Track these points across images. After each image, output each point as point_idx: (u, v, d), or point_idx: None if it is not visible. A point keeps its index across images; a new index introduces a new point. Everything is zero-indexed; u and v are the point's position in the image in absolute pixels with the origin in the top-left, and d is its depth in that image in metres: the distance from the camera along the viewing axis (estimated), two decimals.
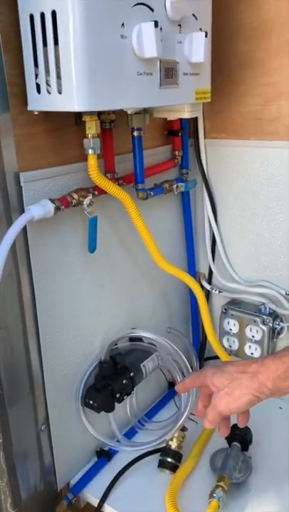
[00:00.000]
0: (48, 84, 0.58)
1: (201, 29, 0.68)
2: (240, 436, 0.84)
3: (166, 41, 0.63)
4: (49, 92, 0.58)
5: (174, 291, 1.04)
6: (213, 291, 1.03)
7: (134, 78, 0.60)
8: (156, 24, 0.58)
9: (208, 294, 1.05)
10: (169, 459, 0.83)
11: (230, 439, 0.84)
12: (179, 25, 0.65)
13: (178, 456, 0.84)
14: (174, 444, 0.84)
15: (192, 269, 1.04)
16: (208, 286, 1.04)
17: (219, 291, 1.02)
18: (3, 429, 0.62)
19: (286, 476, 0.83)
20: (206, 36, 0.66)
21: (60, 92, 0.56)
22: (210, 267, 1.03)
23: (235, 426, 0.77)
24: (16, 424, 0.69)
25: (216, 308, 1.06)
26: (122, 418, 0.92)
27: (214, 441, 0.90)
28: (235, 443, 0.84)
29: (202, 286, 1.03)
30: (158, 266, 0.84)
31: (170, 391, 1.05)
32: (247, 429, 0.85)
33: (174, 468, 0.83)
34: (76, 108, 0.55)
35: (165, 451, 0.84)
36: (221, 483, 0.77)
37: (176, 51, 0.66)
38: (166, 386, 1.06)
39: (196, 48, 0.66)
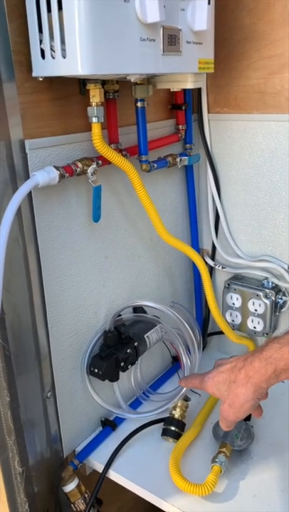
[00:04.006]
0: (52, 49, 0.58)
1: None
2: None
3: (169, 8, 0.63)
4: (53, 57, 0.58)
5: (177, 268, 1.05)
6: (217, 267, 1.04)
7: (137, 44, 0.61)
8: None
9: (211, 270, 1.06)
10: (173, 428, 0.85)
11: None
12: None
13: (181, 425, 0.85)
14: (177, 414, 0.86)
15: (196, 246, 1.05)
16: (211, 263, 1.05)
17: (222, 267, 1.03)
18: (10, 390, 0.64)
19: (287, 444, 0.84)
20: (208, 3, 0.66)
21: (64, 57, 0.57)
22: (213, 242, 1.03)
23: None
24: (23, 389, 0.71)
25: (219, 284, 1.07)
26: (126, 390, 0.94)
27: (217, 412, 0.91)
28: None
29: (205, 263, 1.03)
30: (162, 240, 0.85)
31: (174, 365, 1.06)
32: None
33: (177, 436, 0.84)
34: (80, 71, 0.56)
35: (168, 420, 0.86)
36: (223, 449, 0.78)
37: (178, 18, 0.66)
38: (170, 361, 1.07)
39: (199, 15, 0.67)
